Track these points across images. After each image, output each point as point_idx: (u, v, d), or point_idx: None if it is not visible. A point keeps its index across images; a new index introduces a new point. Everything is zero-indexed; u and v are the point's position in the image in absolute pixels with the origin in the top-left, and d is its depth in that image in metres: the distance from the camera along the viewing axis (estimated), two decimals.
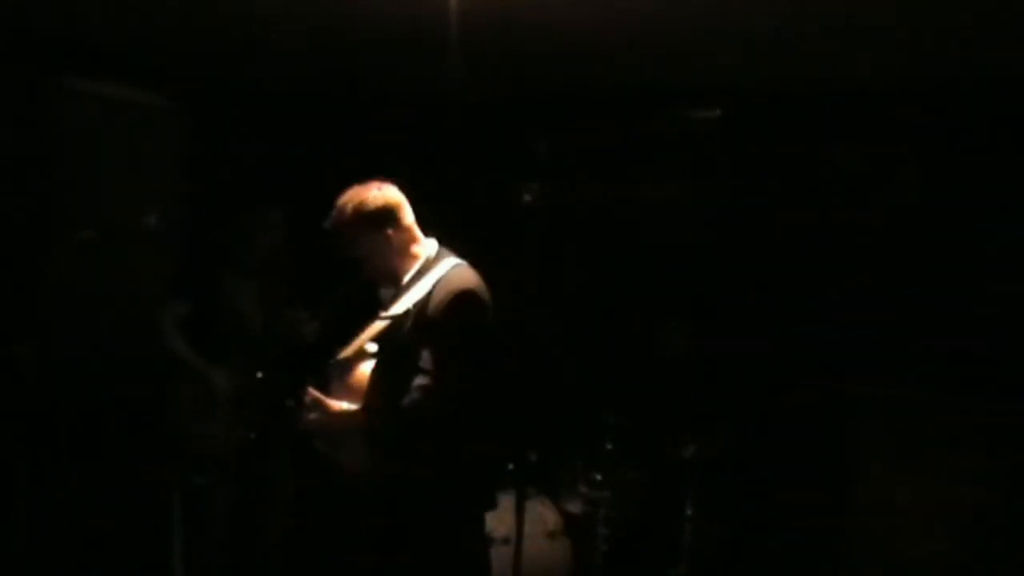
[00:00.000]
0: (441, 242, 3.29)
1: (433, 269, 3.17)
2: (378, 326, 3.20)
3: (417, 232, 3.25)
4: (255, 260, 4.33)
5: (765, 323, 4.69)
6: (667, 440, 4.47)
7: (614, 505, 4.49)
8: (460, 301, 3.04)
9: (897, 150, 4.57)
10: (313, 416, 3.12)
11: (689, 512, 4.41)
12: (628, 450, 4.55)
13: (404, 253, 3.22)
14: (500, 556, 3.94)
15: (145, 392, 4.58)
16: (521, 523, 3.99)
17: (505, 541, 4.14)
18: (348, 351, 3.23)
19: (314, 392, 3.13)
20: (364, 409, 3.10)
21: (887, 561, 4.31)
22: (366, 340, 3.21)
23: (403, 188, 3.27)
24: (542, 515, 4.44)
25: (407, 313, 3.12)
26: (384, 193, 3.20)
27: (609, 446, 4.53)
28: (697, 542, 4.43)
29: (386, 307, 3.22)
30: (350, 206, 3.16)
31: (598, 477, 4.51)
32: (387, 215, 3.17)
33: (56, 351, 4.43)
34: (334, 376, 3.22)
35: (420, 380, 2.98)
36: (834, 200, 4.66)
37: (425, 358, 3.00)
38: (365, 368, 3.21)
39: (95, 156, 4.77)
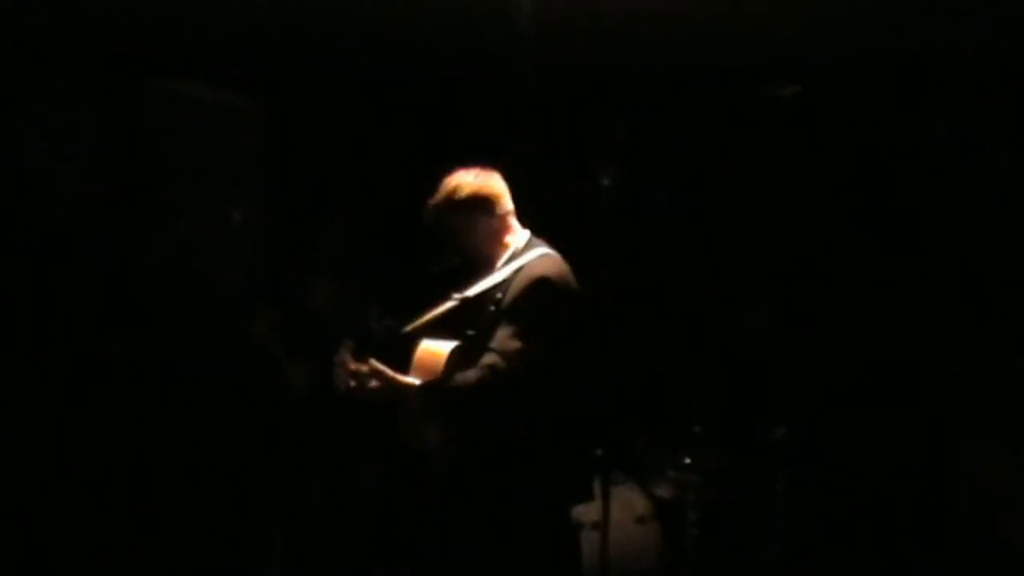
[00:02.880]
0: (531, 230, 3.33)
1: (519, 258, 3.20)
2: (447, 306, 3.24)
3: (512, 222, 3.30)
4: (333, 258, 4.42)
5: (856, 299, 4.60)
6: (757, 422, 4.40)
7: (704, 489, 4.43)
8: (537, 287, 3.06)
9: (988, 122, 4.43)
10: (373, 384, 3.10)
11: (781, 494, 4.34)
12: (717, 433, 4.49)
13: (495, 241, 3.26)
14: (590, 541, 3.92)
15: (236, 381, 4.69)
16: (607, 508, 3.97)
17: (595, 526, 4.11)
18: (413, 325, 3.28)
19: (375, 363, 3.11)
20: (424, 384, 3.11)
21: (986, 541, 4.19)
22: (433, 318, 3.25)
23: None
24: (630, 500, 4.40)
25: (482, 296, 3.17)
26: (481, 180, 3.25)
27: (697, 429, 4.48)
28: (790, 525, 4.36)
29: (463, 290, 3.26)
30: (446, 189, 3.23)
31: (687, 460, 4.46)
32: (480, 203, 3.23)
33: (152, 345, 4.54)
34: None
35: (487, 358, 3.00)
36: (921, 173, 4.54)
37: (496, 339, 3.03)
38: (428, 345, 3.24)
39: (184, 155, 4.89)
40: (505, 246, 3.27)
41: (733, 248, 4.87)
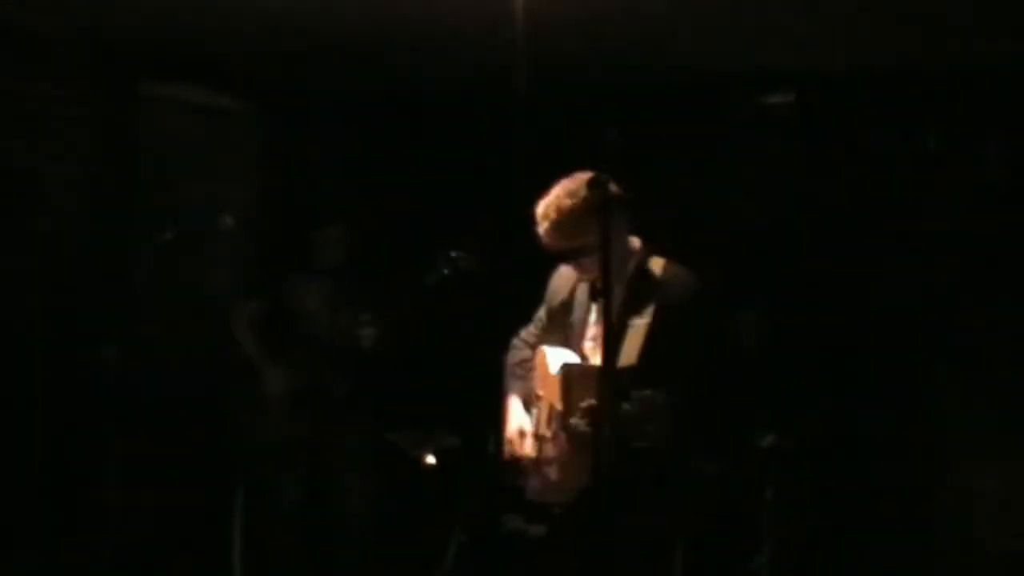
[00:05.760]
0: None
1: (655, 266, 2.94)
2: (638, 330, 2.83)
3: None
4: (324, 263, 4.41)
5: (845, 308, 4.61)
6: (746, 429, 4.41)
7: (693, 495, 4.43)
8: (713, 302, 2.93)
9: (979, 132, 4.45)
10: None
11: (770, 501, 4.34)
12: (706, 439, 4.49)
13: (626, 245, 2.96)
14: None
15: (218, 388, 4.67)
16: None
17: None
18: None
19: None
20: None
21: (974, 548, 4.22)
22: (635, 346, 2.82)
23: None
24: None
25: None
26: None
27: None
28: (779, 531, 4.37)
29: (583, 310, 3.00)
30: (594, 184, 2.63)
31: None
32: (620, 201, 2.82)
33: (139, 351, 4.52)
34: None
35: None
36: (913, 183, 4.56)
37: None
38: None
39: (174, 159, 4.88)
40: (632, 252, 3.03)
41: (724, 255, 4.87)
